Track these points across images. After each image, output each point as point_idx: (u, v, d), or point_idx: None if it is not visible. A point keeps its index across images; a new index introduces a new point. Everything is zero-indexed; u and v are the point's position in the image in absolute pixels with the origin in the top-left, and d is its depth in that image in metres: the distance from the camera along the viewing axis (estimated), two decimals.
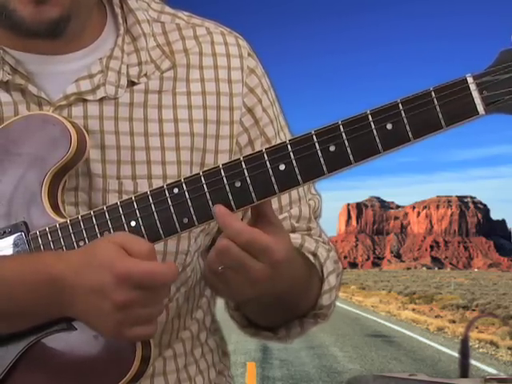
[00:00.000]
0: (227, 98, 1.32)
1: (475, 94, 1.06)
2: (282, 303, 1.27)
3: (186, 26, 1.35)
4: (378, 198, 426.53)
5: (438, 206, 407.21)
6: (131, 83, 1.27)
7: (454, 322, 24.91)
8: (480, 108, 1.06)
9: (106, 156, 1.24)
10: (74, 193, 1.24)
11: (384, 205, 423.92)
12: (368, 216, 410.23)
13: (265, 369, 13.38)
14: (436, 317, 27.61)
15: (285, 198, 1.36)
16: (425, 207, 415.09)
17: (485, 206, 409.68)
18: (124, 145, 1.25)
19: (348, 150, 1.08)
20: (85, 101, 1.25)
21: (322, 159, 1.09)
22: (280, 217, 1.34)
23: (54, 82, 1.25)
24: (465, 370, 1.16)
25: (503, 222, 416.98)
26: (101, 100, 1.25)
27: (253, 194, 1.11)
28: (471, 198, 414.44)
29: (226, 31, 1.38)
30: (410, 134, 1.07)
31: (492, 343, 18.36)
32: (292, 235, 1.32)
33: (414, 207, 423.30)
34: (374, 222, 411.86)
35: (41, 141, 1.20)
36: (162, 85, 1.29)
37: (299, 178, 1.10)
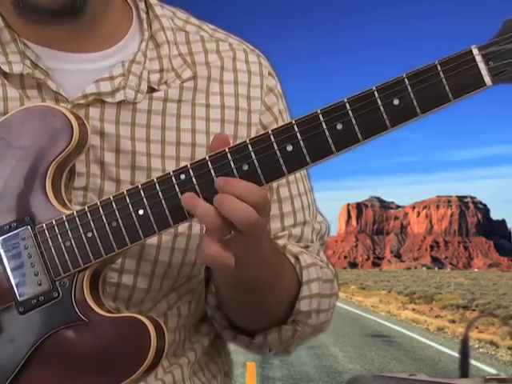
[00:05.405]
0: (245, 113, 1.31)
1: (481, 66, 1.04)
2: (255, 295, 1.25)
3: (210, 40, 1.35)
4: (378, 198, 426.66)
5: (437, 206, 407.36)
6: (151, 89, 1.26)
7: (454, 322, 24.93)
8: (487, 79, 1.04)
9: (121, 161, 1.24)
10: (82, 193, 1.23)
11: (384, 205, 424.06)
12: (368, 216, 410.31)
13: (265, 369, 13.39)
14: (436, 317, 27.62)
15: (289, 219, 1.35)
16: (425, 207, 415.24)
17: (485, 205, 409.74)
18: (139, 151, 1.24)
19: (356, 127, 1.06)
20: (103, 102, 1.23)
21: (329, 138, 1.07)
22: (279, 234, 1.33)
23: (73, 80, 1.24)
24: (465, 370, 1.16)
25: (503, 222, 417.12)
26: (119, 103, 1.24)
27: (261, 177, 1.09)
28: (471, 197, 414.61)
29: (249, 49, 1.37)
30: (417, 108, 1.05)
31: (492, 343, 18.38)
32: (279, 240, 1.31)
33: (413, 207, 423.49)
34: (374, 222, 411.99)
35: (42, 133, 1.18)
36: (181, 94, 1.28)
37: (307, 158, 1.08)
